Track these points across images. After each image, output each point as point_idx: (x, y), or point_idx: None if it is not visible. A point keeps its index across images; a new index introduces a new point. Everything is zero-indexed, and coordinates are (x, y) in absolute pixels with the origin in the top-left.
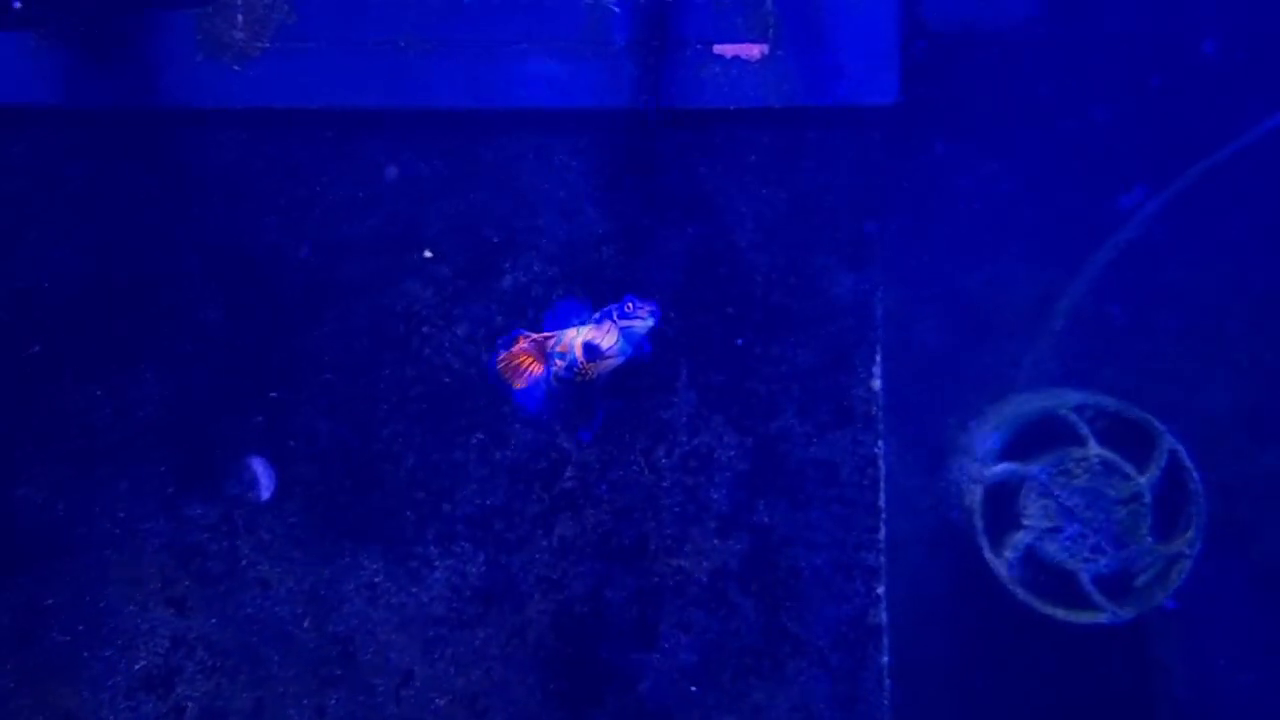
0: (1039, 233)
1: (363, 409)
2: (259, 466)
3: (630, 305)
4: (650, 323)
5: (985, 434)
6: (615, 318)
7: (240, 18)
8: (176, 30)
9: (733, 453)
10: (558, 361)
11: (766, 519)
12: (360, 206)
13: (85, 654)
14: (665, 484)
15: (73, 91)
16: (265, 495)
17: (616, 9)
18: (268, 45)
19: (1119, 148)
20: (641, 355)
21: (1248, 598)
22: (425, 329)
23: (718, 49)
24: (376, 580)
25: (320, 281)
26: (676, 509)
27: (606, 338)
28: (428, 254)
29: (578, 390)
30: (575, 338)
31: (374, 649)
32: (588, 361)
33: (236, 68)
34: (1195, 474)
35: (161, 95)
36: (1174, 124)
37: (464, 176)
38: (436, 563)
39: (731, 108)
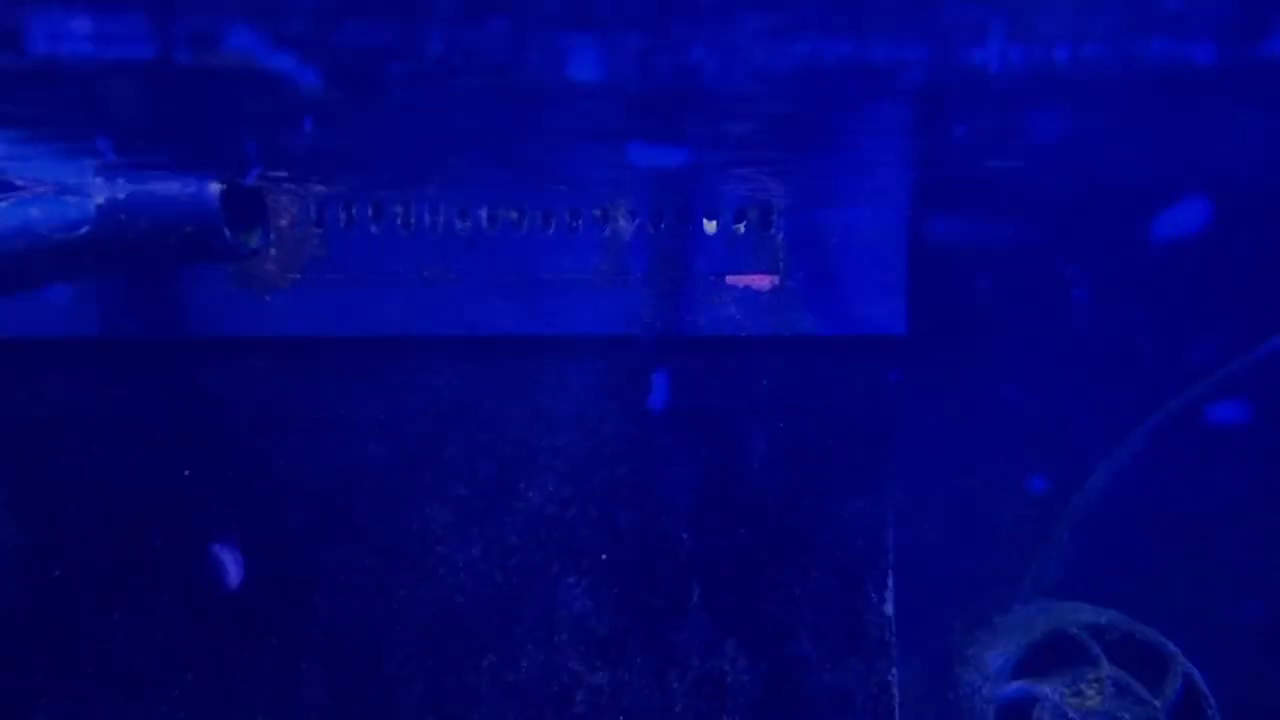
0: (1043, 439)
1: (377, 629)
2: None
3: None
4: None
5: (995, 649)
6: None
7: (273, 251)
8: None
9: (746, 678)
10: None
11: None
12: (381, 428)
13: None
14: (677, 709)
15: (109, 324)
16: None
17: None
18: (298, 276)
19: (1117, 357)
20: None
21: None
22: (440, 548)
23: (730, 280)
24: None
25: (340, 502)
26: None
27: None
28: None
29: None
30: None
31: None
32: None
33: (267, 298)
34: (1212, 701)
35: (193, 325)
36: (1166, 332)
37: (484, 398)
38: None
39: (743, 335)
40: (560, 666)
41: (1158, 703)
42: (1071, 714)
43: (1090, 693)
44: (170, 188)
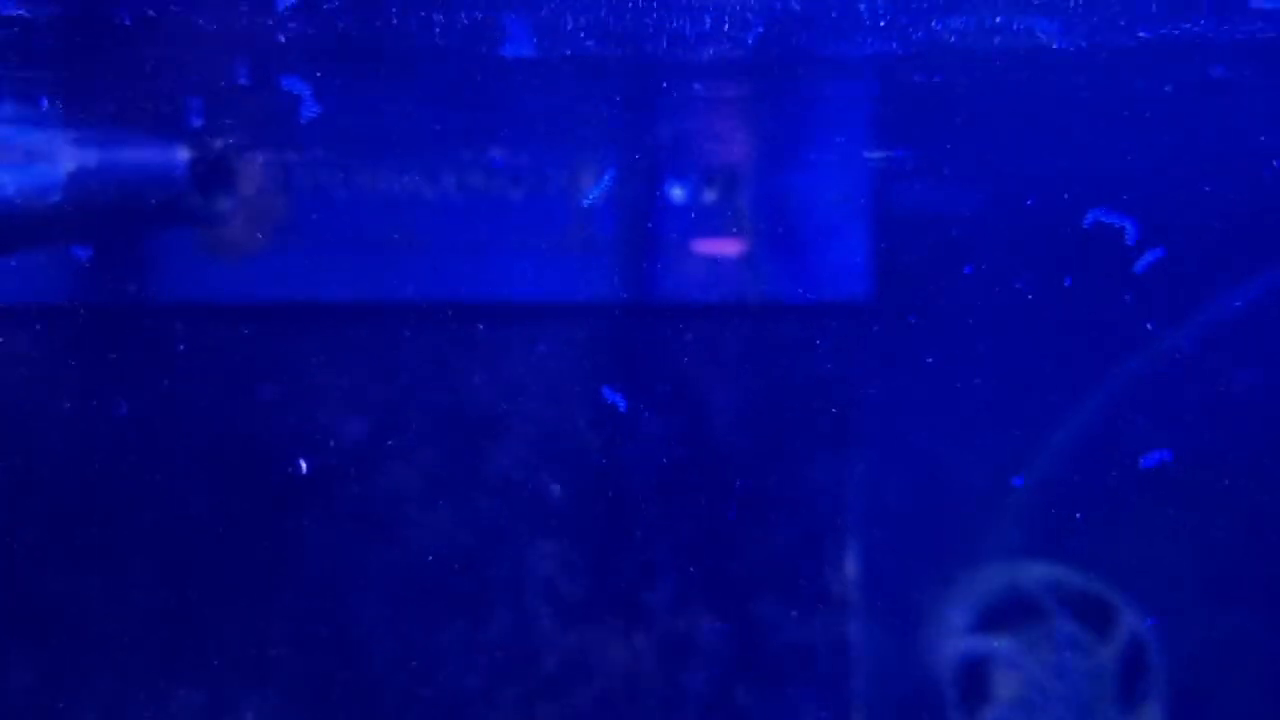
0: (1007, 405)
1: (346, 591)
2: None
3: None
4: None
5: (956, 606)
6: None
7: (241, 217)
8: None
9: (711, 636)
10: None
11: (745, 701)
12: (348, 394)
13: None
14: (645, 667)
15: (78, 289)
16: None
17: (601, 207)
18: (266, 242)
19: (1076, 323)
20: None
21: None
22: (409, 511)
23: (698, 246)
24: None
25: (310, 465)
26: (656, 692)
27: None
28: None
29: None
30: None
31: None
32: None
33: (235, 263)
34: (1155, 649)
35: (161, 291)
36: (1121, 299)
37: (452, 364)
38: None
39: (711, 301)
40: (529, 626)
41: (1105, 653)
42: (1025, 664)
43: (1045, 645)
44: (140, 154)
